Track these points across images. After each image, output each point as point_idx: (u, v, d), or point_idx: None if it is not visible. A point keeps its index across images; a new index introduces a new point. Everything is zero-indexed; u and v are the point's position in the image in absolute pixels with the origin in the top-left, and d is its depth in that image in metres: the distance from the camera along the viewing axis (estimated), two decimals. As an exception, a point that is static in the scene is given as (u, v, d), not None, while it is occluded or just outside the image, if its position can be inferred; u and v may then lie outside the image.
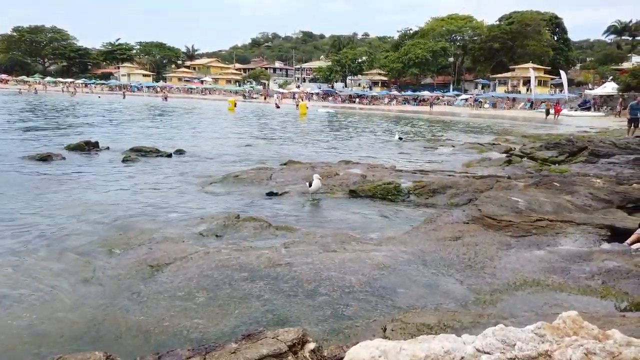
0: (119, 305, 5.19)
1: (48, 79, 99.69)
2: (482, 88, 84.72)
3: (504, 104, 68.84)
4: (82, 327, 4.77)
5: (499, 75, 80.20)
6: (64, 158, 14.98)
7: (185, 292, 5.39)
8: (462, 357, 2.40)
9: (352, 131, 32.29)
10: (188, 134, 25.92)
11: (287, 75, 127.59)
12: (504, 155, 17.78)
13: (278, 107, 60.09)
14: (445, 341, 2.48)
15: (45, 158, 14.35)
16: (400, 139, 24.86)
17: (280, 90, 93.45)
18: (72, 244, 7.25)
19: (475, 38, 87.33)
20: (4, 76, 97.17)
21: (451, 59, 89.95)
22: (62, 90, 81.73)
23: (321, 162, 15.26)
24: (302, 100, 65.21)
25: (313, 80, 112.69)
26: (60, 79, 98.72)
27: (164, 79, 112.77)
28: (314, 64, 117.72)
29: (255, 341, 2.63)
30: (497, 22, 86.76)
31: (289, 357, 2.54)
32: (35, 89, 79.94)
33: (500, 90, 77.47)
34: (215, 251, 6.54)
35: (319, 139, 26.55)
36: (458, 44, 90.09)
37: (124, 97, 70.07)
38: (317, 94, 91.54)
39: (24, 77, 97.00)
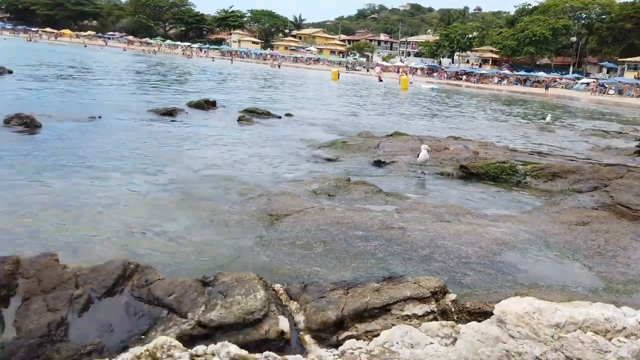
0: (245, 245, 5.59)
1: (168, 41, 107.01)
2: (608, 72, 76.74)
3: (633, 92, 61.89)
4: (212, 263, 5.20)
5: (629, 59, 71.97)
6: (186, 113, 16.16)
7: (304, 242, 5.66)
8: (624, 327, 2.29)
9: (458, 109, 31.08)
10: (295, 100, 26.61)
11: (391, 49, 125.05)
12: (635, 144, 16.11)
13: (380, 80, 59.38)
14: (604, 309, 2.38)
15: (170, 113, 15.55)
16: (548, 123, 22.70)
17: (384, 63, 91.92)
18: (198, 191, 7.86)
19: (604, 17, 78.71)
20: (130, 37, 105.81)
21: (573, 39, 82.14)
22: (183, 53, 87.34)
23: (428, 135, 14.94)
24: (406, 74, 63.69)
25: (418, 54, 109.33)
26: (179, 42, 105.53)
27: (271, 47, 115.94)
28: (420, 38, 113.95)
29: (397, 284, 2.70)
30: (632, 0, 77.31)
31: (432, 302, 2.59)
32: (155, 50, 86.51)
33: (629, 75, 69.63)
34: (329, 208, 6.75)
35: (421, 113, 25.93)
36: (583, 22, 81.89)
37: (232, 63, 73.33)
38: (422, 68, 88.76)
39: (147, 39, 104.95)
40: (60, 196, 6.95)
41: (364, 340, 2.22)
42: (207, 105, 17.95)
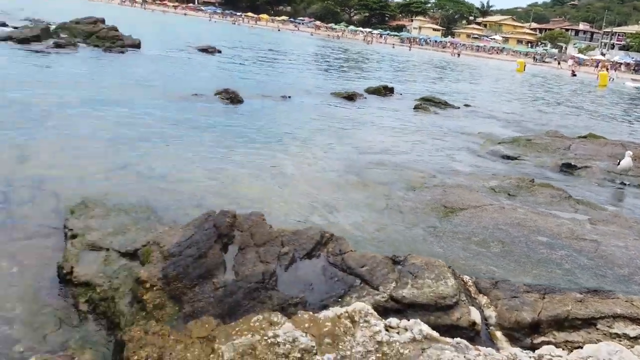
0: (418, 234, 5.65)
1: (350, 27, 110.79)
2: None
3: None
4: (385, 245, 5.37)
5: None
6: (365, 98, 16.68)
7: (480, 239, 5.49)
8: None
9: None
10: (474, 91, 25.46)
11: (591, 40, 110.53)
12: None
13: (574, 74, 53.12)
14: None
15: (351, 97, 16.22)
16: None
17: (579, 55, 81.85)
18: (373, 175, 8.11)
19: None
20: (317, 23, 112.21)
21: None
22: (364, 39, 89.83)
23: (632, 142, 13.01)
24: (607, 69, 55.87)
25: (624, 47, 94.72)
26: (361, 28, 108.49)
27: (452, 35, 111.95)
28: (629, 29, 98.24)
29: (605, 299, 2.48)
30: None
31: (645, 327, 2.32)
32: (338, 35, 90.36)
33: None
34: (510, 208, 6.41)
35: (622, 115, 22.60)
36: None
37: (410, 50, 72.79)
38: (627, 64, 76.81)
39: (332, 25, 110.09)
40: (252, 164, 7.85)
41: (562, 349, 2.11)
42: (384, 91, 18.26)
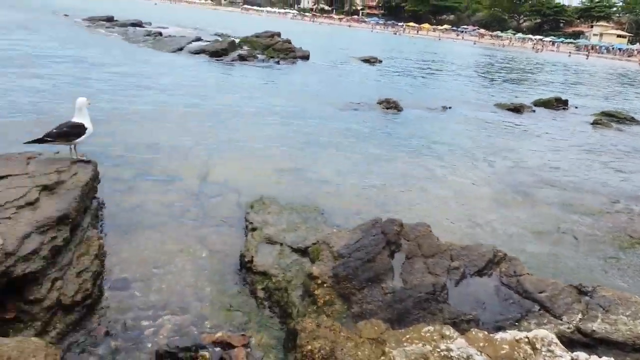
0: (595, 264, 5.10)
1: (518, 35, 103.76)
2: None
3: None
4: (553, 271, 4.93)
5: None
6: (533, 111, 15.51)
7: (677, 279, 4.75)
8: None
9: None
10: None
11: None
12: None
13: None
14: None
15: (517, 109, 15.22)
16: None
17: None
18: (541, 194, 7.51)
19: None
20: (481, 31, 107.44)
21: None
22: (533, 47, 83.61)
23: None
24: None
25: None
26: (530, 36, 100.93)
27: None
28: None
29: None
30: None
31: None
32: (504, 44, 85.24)
33: None
34: None
35: None
36: None
37: (587, 58, 65.42)
38: None
39: (498, 33, 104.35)
40: (410, 174, 7.86)
41: None
42: (556, 104, 16.75)
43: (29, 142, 4.46)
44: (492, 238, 5.60)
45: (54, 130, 4.55)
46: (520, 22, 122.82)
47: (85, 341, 3.34)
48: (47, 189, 3.94)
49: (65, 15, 32.28)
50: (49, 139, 4.47)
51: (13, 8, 31.31)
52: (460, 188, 7.48)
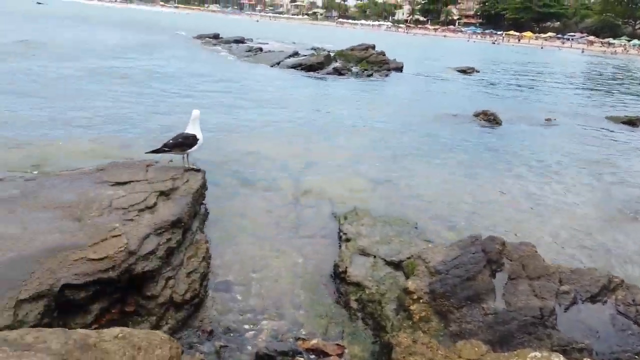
0: None
1: (634, 42, 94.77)
2: None
3: None
4: None
5: None
6: (653, 125, 14.09)
7: None
8: None
9: None
10: None
11: None
12: None
13: None
14: None
15: (633, 122, 13.92)
16: None
17: None
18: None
19: None
20: (590, 38, 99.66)
21: None
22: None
23: None
24: None
25: None
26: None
27: None
28: None
29: None
30: None
31: None
32: (616, 51, 78.23)
33: None
34: None
35: None
36: None
37: None
38: None
39: (609, 40, 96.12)
40: (508, 191, 7.47)
41: None
42: (683, 117, 15.02)
43: (149, 152, 4.93)
44: (604, 262, 5.17)
45: (171, 141, 4.99)
46: (637, 27, 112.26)
47: (192, 338, 3.60)
48: (163, 194, 4.32)
49: (181, 33, 35.87)
50: (166, 149, 4.91)
51: (150, 30, 37.44)
52: (566, 207, 6.99)
